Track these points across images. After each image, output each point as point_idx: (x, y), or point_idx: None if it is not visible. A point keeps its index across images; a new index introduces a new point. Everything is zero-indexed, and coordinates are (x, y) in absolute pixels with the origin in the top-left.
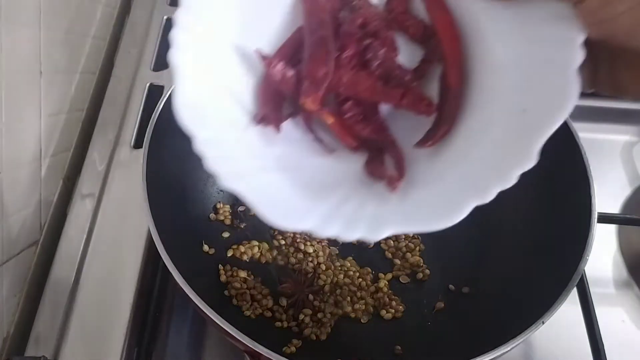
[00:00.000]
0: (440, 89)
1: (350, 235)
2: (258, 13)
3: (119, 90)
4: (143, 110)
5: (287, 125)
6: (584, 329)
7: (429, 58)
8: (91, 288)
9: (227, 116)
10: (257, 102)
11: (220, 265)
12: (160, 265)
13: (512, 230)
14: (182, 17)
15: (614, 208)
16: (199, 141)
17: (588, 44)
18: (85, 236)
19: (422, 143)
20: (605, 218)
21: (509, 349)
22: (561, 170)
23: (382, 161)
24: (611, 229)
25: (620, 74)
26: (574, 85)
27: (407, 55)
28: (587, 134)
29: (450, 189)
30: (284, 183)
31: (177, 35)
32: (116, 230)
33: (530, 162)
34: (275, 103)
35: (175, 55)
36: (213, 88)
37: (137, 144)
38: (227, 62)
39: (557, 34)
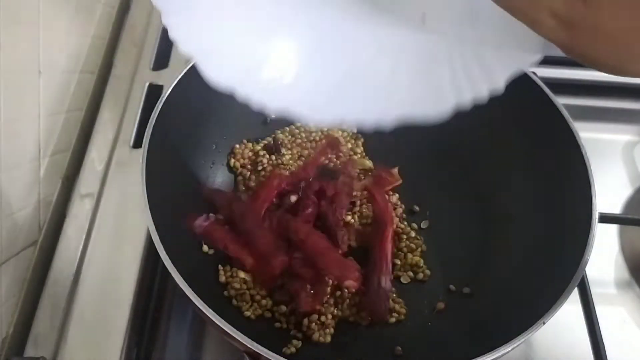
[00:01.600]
0: None
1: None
2: None
3: (118, 89)
4: (142, 110)
5: None
6: (585, 329)
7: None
8: (90, 288)
9: None
10: None
11: (220, 265)
12: (159, 265)
13: (513, 230)
14: None
15: (615, 208)
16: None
17: None
18: (84, 236)
19: None
20: (606, 218)
21: (509, 349)
22: (562, 170)
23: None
24: (612, 229)
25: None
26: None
27: None
28: (588, 134)
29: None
30: (239, 23)
31: None
32: (115, 230)
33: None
34: None
35: None
36: None
37: (137, 144)
38: None
39: None
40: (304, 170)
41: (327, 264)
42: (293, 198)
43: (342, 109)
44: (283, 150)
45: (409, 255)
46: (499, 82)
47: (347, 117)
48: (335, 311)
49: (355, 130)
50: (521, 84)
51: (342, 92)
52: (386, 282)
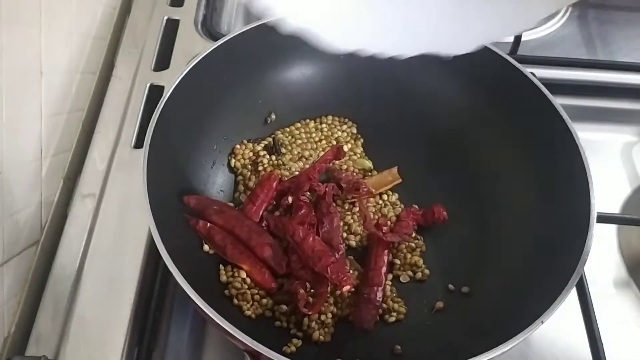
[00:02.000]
0: None
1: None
2: None
3: (119, 90)
4: (143, 111)
5: None
6: (583, 329)
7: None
8: (92, 288)
9: None
10: None
11: (220, 265)
12: (160, 265)
13: (512, 230)
14: None
15: (614, 208)
16: None
17: None
18: (85, 236)
19: None
20: (604, 218)
21: (508, 348)
22: (561, 170)
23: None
24: (611, 229)
25: None
26: None
27: None
28: (586, 134)
29: None
30: None
31: None
32: (117, 230)
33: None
34: None
35: None
36: None
37: (138, 144)
38: None
39: None
40: (306, 176)
41: (322, 268)
42: (289, 199)
43: (364, 39)
44: (283, 151)
45: (409, 255)
46: (528, 23)
47: (369, 48)
48: (335, 310)
49: (355, 131)
50: (520, 84)
51: (368, 26)
52: (377, 293)
